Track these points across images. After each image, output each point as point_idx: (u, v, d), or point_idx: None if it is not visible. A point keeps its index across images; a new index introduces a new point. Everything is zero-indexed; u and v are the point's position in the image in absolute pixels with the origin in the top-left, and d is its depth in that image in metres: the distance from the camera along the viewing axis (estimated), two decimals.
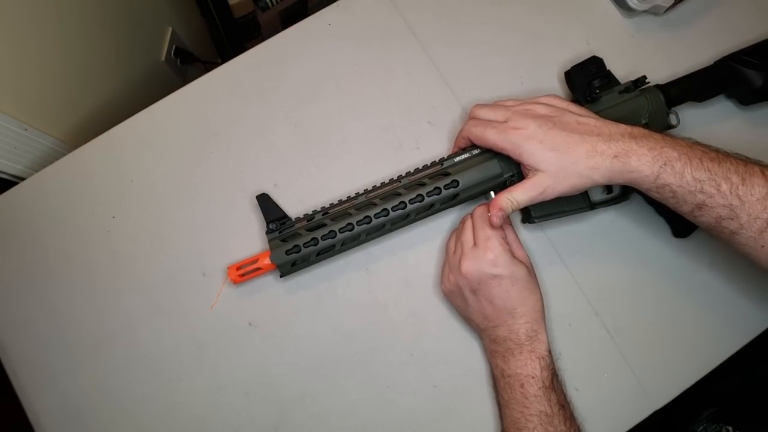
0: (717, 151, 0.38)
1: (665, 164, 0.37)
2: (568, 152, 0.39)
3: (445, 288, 0.47)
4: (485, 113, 0.45)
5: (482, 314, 0.44)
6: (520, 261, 0.44)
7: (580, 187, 0.40)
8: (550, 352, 0.43)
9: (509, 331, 0.43)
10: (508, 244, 0.45)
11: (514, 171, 0.46)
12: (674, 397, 0.47)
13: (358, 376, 0.48)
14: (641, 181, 0.38)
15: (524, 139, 0.41)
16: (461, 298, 0.45)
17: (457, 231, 0.48)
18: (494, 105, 0.46)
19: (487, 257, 0.43)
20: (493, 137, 0.43)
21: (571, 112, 0.42)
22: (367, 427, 0.48)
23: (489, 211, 0.43)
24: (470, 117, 0.46)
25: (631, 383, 0.47)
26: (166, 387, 0.49)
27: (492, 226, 0.43)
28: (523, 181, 0.42)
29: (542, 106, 0.43)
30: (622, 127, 0.40)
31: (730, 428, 0.49)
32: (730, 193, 0.36)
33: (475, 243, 0.44)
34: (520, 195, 0.41)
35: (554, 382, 0.42)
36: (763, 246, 0.36)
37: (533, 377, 0.42)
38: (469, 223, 0.46)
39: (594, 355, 0.48)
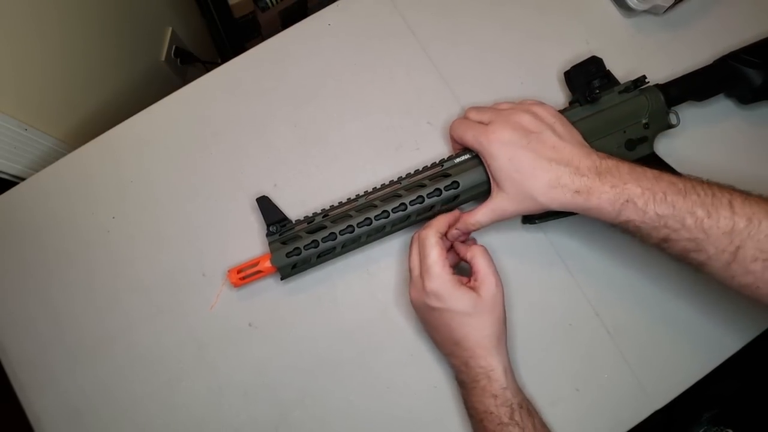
0: (685, 180, 0.37)
1: (627, 201, 0.37)
2: (531, 178, 0.39)
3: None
4: (473, 114, 0.45)
5: (435, 340, 0.45)
6: (469, 292, 0.41)
7: (539, 211, 0.41)
8: (506, 388, 0.41)
9: (460, 362, 0.42)
10: (474, 270, 0.43)
11: None
12: (674, 397, 0.47)
13: (358, 377, 0.48)
14: (603, 216, 0.38)
15: (496, 147, 0.41)
16: (421, 322, 0.46)
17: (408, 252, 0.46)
18: (484, 107, 0.46)
19: (426, 287, 0.41)
20: (469, 138, 0.43)
21: (553, 131, 0.41)
22: (367, 427, 0.48)
23: (446, 229, 0.44)
24: (462, 116, 0.47)
25: (631, 383, 0.47)
26: (166, 387, 0.49)
27: (434, 251, 0.42)
28: (486, 202, 0.43)
29: (529, 117, 0.42)
30: (592, 159, 0.39)
31: (731, 431, 0.49)
32: (695, 227, 0.35)
33: (419, 271, 0.43)
34: (482, 217, 0.42)
35: (515, 416, 0.40)
36: (733, 277, 0.35)
37: (491, 413, 0.40)
38: (414, 247, 0.44)
39: (594, 355, 0.48)
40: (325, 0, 0.57)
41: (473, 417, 0.42)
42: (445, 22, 0.55)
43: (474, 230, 0.44)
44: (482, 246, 0.44)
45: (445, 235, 0.44)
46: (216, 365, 0.49)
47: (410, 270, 0.44)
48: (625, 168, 0.38)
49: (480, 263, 0.43)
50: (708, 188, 0.36)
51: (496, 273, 0.43)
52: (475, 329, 0.41)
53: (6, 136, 0.56)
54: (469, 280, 0.43)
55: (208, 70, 0.56)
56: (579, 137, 0.42)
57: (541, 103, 0.44)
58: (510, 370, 0.42)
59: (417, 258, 0.43)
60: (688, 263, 0.38)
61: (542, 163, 0.39)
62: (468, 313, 0.41)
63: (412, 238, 0.45)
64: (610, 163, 0.39)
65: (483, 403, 0.41)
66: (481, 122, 0.44)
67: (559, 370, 0.48)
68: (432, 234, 0.43)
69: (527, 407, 0.42)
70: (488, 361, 0.41)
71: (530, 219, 0.47)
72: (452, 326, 0.41)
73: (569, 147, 0.40)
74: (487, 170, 0.43)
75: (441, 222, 0.44)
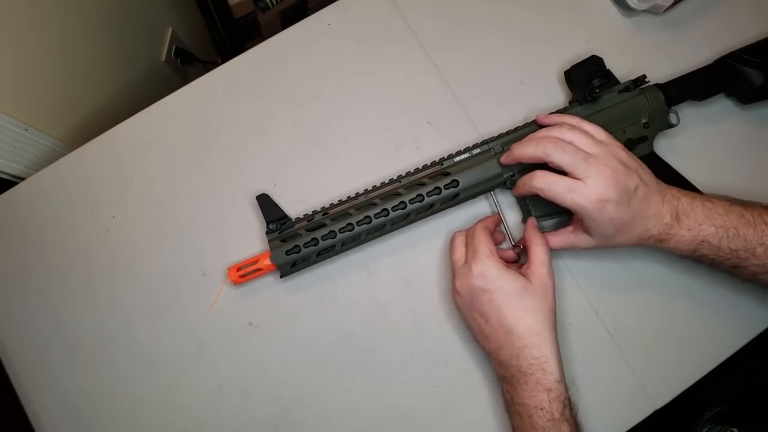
0: (752, 210, 0.39)
1: (702, 241, 0.39)
2: (624, 233, 0.40)
3: (458, 311, 0.46)
4: (565, 134, 0.41)
5: (483, 334, 0.42)
6: (518, 275, 0.41)
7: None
8: (560, 381, 0.40)
9: (510, 356, 0.40)
10: (529, 261, 0.43)
11: (515, 171, 0.45)
12: (674, 396, 0.47)
13: (358, 376, 0.48)
14: (677, 253, 0.41)
15: (597, 209, 0.38)
16: (464, 319, 0.45)
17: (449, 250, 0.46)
18: (566, 125, 0.42)
19: (474, 270, 0.41)
20: (558, 191, 0.39)
21: (640, 179, 0.40)
22: (367, 427, 0.48)
23: (493, 227, 0.45)
24: (543, 131, 0.42)
25: (631, 383, 0.47)
26: (166, 387, 0.49)
27: (481, 239, 0.43)
28: (566, 233, 0.44)
29: (621, 166, 0.39)
30: (670, 201, 0.40)
31: (736, 430, 0.49)
32: (765, 254, 0.38)
33: (465, 260, 0.43)
34: (557, 244, 0.44)
35: (565, 413, 0.39)
36: None
37: (541, 409, 0.39)
38: (459, 241, 0.45)
39: (594, 355, 0.48)
40: (325, 0, 0.57)
41: (519, 414, 0.40)
42: (445, 22, 0.55)
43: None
44: (544, 237, 0.44)
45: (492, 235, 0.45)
46: (216, 364, 0.49)
47: (453, 264, 0.44)
48: (698, 206, 0.40)
49: (537, 252, 0.42)
50: None
51: (551, 266, 0.42)
52: (529, 312, 0.40)
53: (6, 136, 0.56)
54: (521, 267, 0.44)
55: (208, 70, 0.56)
56: (652, 175, 0.41)
57: (611, 138, 0.42)
58: (562, 364, 0.41)
59: (462, 250, 0.44)
60: (757, 284, 0.41)
61: (636, 219, 0.39)
62: (518, 294, 0.40)
63: (452, 236, 0.46)
64: (684, 202, 0.40)
65: (535, 398, 0.39)
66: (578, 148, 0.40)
67: None
68: (480, 225, 0.44)
69: (574, 404, 0.41)
70: (542, 351, 0.40)
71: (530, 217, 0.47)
72: (503, 310, 0.40)
73: (655, 196, 0.40)
74: (577, 220, 0.42)
75: (488, 221, 0.45)
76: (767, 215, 0.39)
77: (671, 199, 0.40)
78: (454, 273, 0.44)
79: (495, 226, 0.46)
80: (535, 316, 0.40)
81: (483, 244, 0.42)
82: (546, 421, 0.39)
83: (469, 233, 0.45)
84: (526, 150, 0.41)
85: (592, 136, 0.41)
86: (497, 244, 0.46)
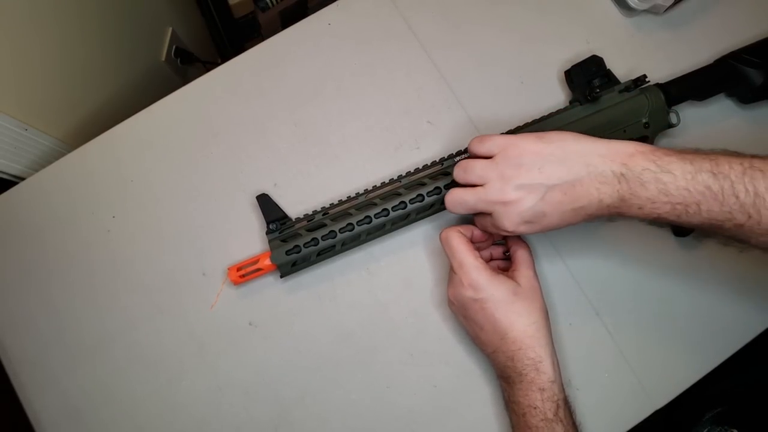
0: (725, 177, 0.33)
1: (658, 217, 0.35)
2: (552, 219, 0.38)
3: (455, 317, 0.46)
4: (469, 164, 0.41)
5: (479, 340, 0.43)
6: (508, 280, 0.41)
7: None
8: (554, 381, 0.40)
9: (506, 358, 0.41)
10: (514, 264, 0.44)
11: None
12: (674, 396, 0.47)
13: (358, 376, 0.48)
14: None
15: (504, 210, 0.38)
16: (462, 326, 0.45)
17: None
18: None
19: (464, 281, 0.41)
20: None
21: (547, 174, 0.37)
22: (367, 427, 0.48)
23: (469, 231, 0.44)
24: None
25: (631, 383, 0.47)
26: (166, 387, 0.49)
27: (460, 249, 0.42)
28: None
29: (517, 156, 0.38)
30: (608, 185, 0.36)
31: (735, 431, 0.49)
32: (735, 230, 0.34)
33: (452, 268, 0.43)
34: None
35: (559, 413, 0.39)
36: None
37: (534, 408, 0.39)
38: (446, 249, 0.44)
39: (594, 355, 0.48)
40: (325, 0, 0.57)
41: (515, 412, 0.41)
42: (445, 22, 0.55)
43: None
44: (526, 241, 0.45)
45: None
46: (216, 364, 0.49)
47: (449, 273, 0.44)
48: (651, 181, 0.35)
49: (522, 254, 0.44)
50: (740, 167, 0.33)
51: (534, 265, 0.44)
52: (521, 316, 0.40)
53: (6, 136, 0.56)
54: (507, 270, 0.44)
55: (208, 70, 0.56)
56: (581, 159, 0.37)
57: (511, 140, 0.40)
58: (558, 365, 0.41)
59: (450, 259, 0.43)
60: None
61: (563, 208, 0.38)
62: (510, 300, 0.40)
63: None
64: (632, 178, 0.35)
65: (528, 397, 0.40)
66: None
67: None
68: (453, 232, 0.43)
69: (570, 405, 0.41)
70: (537, 352, 0.40)
71: None
72: (496, 317, 0.40)
73: (583, 184, 0.37)
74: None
75: (460, 226, 0.44)
76: (740, 183, 0.33)
77: (613, 181, 0.35)
78: (448, 281, 0.44)
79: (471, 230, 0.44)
80: (527, 318, 0.41)
81: (466, 254, 0.42)
82: (539, 421, 0.39)
83: (444, 243, 0.43)
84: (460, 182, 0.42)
85: (484, 156, 0.40)
86: (477, 242, 0.44)
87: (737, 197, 0.33)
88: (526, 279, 0.42)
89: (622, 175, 0.35)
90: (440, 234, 0.44)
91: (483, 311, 0.41)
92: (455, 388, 0.48)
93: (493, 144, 0.40)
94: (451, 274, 0.43)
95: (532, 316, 0.41)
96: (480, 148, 0.40)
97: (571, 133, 0.39)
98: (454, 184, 0.44)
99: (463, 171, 0.41)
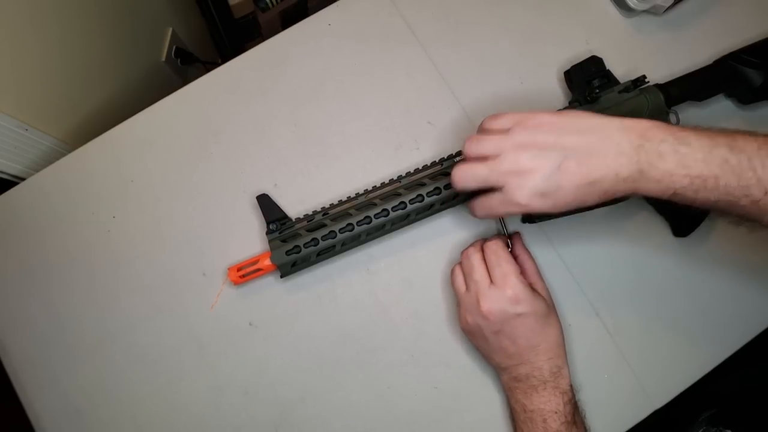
0: (741, 152, 0.33)
1: (675, 193, 0.34)
2: (568, 198, 0.36)
3: (464, 329, 0.45)
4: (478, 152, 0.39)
5: (505, 354, 0.43)
6: (540, 295, 0.43)
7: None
8: (572, 386, 0.43)
9: (532, 368, 0.42)
10: (527, 277, 0.44)
11: None
12: (674, 396, 0.47)
13: (358, 377, 0.48)
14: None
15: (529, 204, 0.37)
16: (482, 339, 0.43)
17: (461, 266, 0.45)
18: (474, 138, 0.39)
19: (507, 295, 0.41)
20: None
21: (563, 146, 0.36)
22: (368, 427, 0.48)
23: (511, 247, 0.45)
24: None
25: (631, 383, 0.47)
26: (166, 387, 0.49)
27: (508, 260, 0.42)
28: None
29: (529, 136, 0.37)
30: (626, 156, 0.35)
31: (729, 431, 0.49)
32: (751, 206, 0.33)
33: (492, 281, 0.42)
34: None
35: (576, 416, 0.41)
36: None
37: (556, 412, 0.41)
38: (477, 259, 0.44)
39: (594, 355, 0.48)
40: (325, 0, 0.57)
41: (533, 420, 0.41)
42: (445, 22, 0.55)
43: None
44: (530, 253, 0.47)
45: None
46: (216, 365, 0.49)
47: (477, 283, 0.43)
48: (669, 153, 0.34)
49: (530, 265, 0.46)
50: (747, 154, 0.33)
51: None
52: (553, 327, 0.43)
53: (6, 136, 0.56)
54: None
55: (208, 70, 0.56)
56: (594, 129, 0.36)
57: (520, 117, 0.38)
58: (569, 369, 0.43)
59: (482, 270, 0.43)
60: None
61: (580, 188, 0.36)
62: (546, 313, 0.42)
63: (465, 253, 0.45)
64: (651, 150, 0.34)
65: (551, 402, 0.41)
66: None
67: None
68: (499, 244, 0.44)
69: (581, 408, 0.43)
70: (562, 359, 0.42)
71: (530, 218, 0.47)
72: (535, 329, 0.42)
73: (599, 156, 0.35)
74: None
75: (502, 238, 0.46)
76: (756, 158, 0.32)
77: (631, 152, 0.34)
78: (480, 294, 0.42)
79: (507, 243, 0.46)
80: (557, 329, 0.43)
81: (511, 265, 0.42)
82: (560, 424, 0.40)
83: (491, 252, 0.43)
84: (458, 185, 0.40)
85: (499, 131, 0.38)
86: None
87: (754, 171, 0.32)
88: (544, 290, 0.44)
89: (640, 146, 0.34)
90: (482, 243, 0.45)
91: (523, 326, 0.41)
92: (456, 389, 0.48)
93: (508, 119, 0.38)
94: (480, 287, 0.42)
95: (559, 326, 0.43)
96: (494, 124, 0.39)
97: (586, 111, 0.38)
98: None
99: (476, 143, 0.39)
